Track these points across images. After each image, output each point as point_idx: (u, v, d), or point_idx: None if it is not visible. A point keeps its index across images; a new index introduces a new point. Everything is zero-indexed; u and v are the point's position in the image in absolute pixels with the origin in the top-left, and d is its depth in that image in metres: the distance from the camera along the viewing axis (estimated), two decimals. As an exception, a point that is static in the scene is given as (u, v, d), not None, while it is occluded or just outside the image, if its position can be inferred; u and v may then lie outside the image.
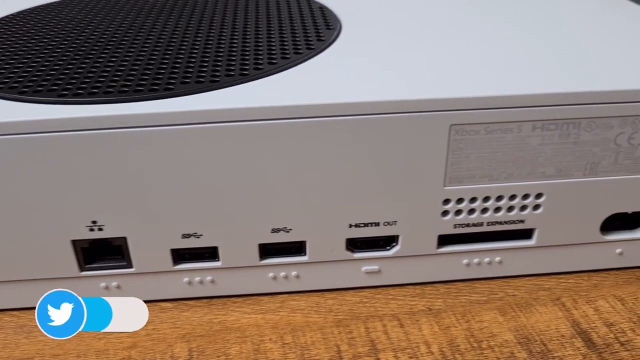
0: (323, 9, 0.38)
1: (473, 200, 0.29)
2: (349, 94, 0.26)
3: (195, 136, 0.26)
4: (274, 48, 0.31)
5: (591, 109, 0.27)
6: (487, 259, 0.31)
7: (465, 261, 0.31)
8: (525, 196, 0.29)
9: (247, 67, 0.29)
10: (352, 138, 0.26)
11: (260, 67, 0.29)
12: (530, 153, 0.28)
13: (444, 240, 0.30)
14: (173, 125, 0.25)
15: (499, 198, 0.29)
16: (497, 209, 0.29)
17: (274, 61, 0.29)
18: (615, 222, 0.31)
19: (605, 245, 0.31)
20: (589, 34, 0.34)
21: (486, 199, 0.29)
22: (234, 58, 0.30)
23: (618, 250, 0.31)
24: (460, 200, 0.29)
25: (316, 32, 0.33)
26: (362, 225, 0.29)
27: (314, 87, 0.27)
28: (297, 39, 0.32)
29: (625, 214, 0.31)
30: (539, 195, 0.29)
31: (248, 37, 0.33)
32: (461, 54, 0.30)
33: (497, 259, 0.31)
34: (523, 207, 0.29)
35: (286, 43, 0.32)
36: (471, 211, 0.29)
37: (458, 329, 0.28)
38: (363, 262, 0.30)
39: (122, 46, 0.32)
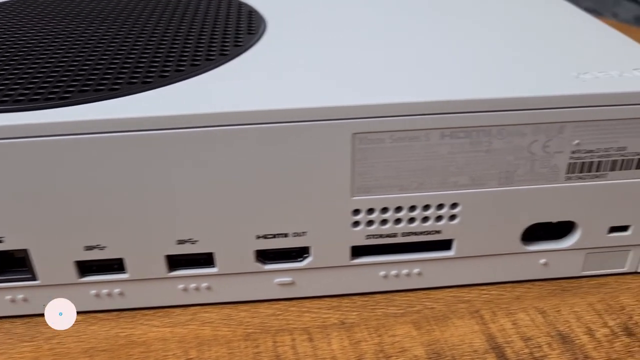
0: (252, 13, 0.37)
1: (384, 210, 0.28)
2: (249, 102, 0.25)
3: (89, 146, 0.25)
4: (186, 54, 0.30)
5: (501, 116, 0.26)
6: (405, 271, 0.30)
7: (382, 273, 0.30)
8: (440, 206, 0.28)
9: (152, 75, 0.28)
10: (252, 147, 0.25)
11: (166, 74, 0.28)
12: (441, 162, 0.27)
13: (358, 251, 0.29)
14: (62, 135, 0.24)
15: (412, 208, 0.28)
16: (411, 220, 0.28)
17: (182, 68, 0.28)
18: (539, 232, 0.30)
19: (528, 255, 0.30)
20: (508, 37, 0.32)
21: (398, 209, 0.28)
22: (142, 65, 0.29)
23: (542, 261, 0.30)
24: (370, 211, 0.28)
25: (235, 38, 0.32)
26: (270, 236, 0.28)
27: (216, 95, 0.26)
28: (213, 44, 0.31)
29: (550, 223, 0.30)
30: (454, 205, 0.28)
31: (165, 42, 0.32)
32: (374, 59, 0.29)
33: (416, 270, 0.30)
34: (438, 218, 0.28)
35: (200, 49, 0.31)
36: (383, 222, 0.28)
37: (369, 344, 0.27)
38: (275, 274, 0.29)
39: (30, 54, 0.31)
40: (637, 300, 0.30)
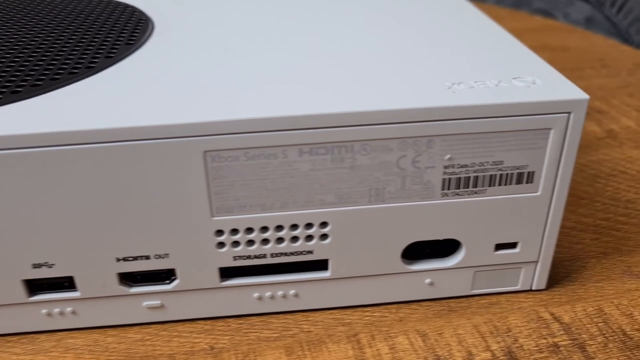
0: (139, 20, 0.35)
1: (249, 230, 0.26)
2: (97, 120, 0.24)
3: None
4: (51, 67, 0.28)
5: (362, 131, 0.24)
6: (280, 292, 0.28)
7: (256, 295, 0.28)
8: (308, 225, 0.26)
9: (4, 92, 0.26)
10: (104, 167, 0.24)
11: (20, 90, 0.26)
12: (303, 179, 0.25)
13: (228, 272, 0.28)
14: None
15: (279, 228, 0.26)
16: (279, 240, 0.27)
17: (39, 83, 0.27)
18: (425, 250, 0.29)
19: (412, 275, 0.29)
20: (389, 44, 0.30)
21: (264, 229, 0.26)
22: (-2, 77, 0.27)
23: (428, 281, 0.29)
24: (235, 231, 0.26)
25: (111, 47, 0.31)
26: (130, 259, 0.26)
27: (67, 111, 0.24)
28: (84, 55, 0.30)
29: (437, 241, 0.28)
30: (323, 225, 0.26)
31: (37, 52, 0.30)
32: (240, 71, 0.27)
33: (292, 292, 0.28)
34: (308, 237, 0.27)
35: (68, 61, 0.29)
36: (250, 242, 0.27)
37: (234, 372, 0.26)
38: (144, 297, 0.28)
39: None
40: (526, 321, 0.28)
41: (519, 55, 0.29)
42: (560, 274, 0.31)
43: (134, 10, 0.37)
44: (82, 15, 0.36)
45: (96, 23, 0.34)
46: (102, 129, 0.23)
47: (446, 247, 0.29)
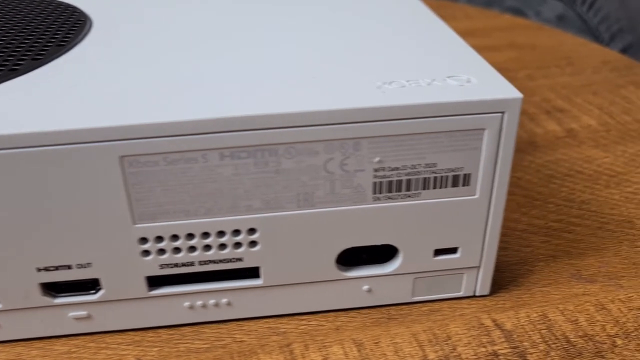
0: (78, 20, 0.34)
1: (175, 238, 0.25)
2: (10, 124, 0.23)
3: None
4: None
5: (285, 133, 0.23)
6: (212, 301, 0.27)
7: (187, 304, 0.27)
8: (236, 232, 0.25)
9: None
10: (19, 173, 0.23)
11: None
12: (227, 185, 0.24)
13: (156, 281, 0.27)
14: None
15: (205, 235, 0.25)
16: (207, 247, 0.26)
17: (-43, 84, 0.26)
18: (362, 256, 0.28)
19: (349, 282, 0.28)
20: (322, 42, 0.29)
21: (189, 236, 0.25)
22: None
23: (365, 288, 0.28)
24: (159, 239, 0.25)
25: (43, 47, 0.30)
26: (52, 268, 0.25)
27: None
28: (11, 57, 0.28)
29: (375, 246, 0.27)
30: (251, 231, 0.25)
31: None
32: (168, 73, 0.26)
33: (224, 300, 0.27)
34: (237, 244, 0.26)
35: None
36: (176, 250, 0.26)
37: (159, 385, 0.25)
38: (69, 308, 0.27)
39: None
40: (466, 329, 0.27)
41: (459, 54, 0.28)
42: (507, 279, 0.30)
43: (74, 10, 0.35)
44: (18, 16, 0.35)
45: (32, 23, 0.33)
46: (14, 134, 0.22)
47: (384, 253, 0.28)
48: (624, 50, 0.62)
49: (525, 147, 0.40)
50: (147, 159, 0.23)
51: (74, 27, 0.33)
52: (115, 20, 0.33)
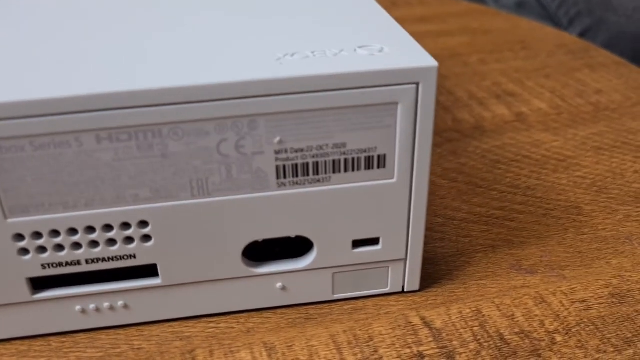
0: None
1: (55, 234, 0.22)
2: None
3: None
4: None
5: (169, 111, 0.21)
6: (106, 304, 0.24)
7: (78, 307, 0.24)
8: (125, 226, 0.23)
9: None
10: None
11: None
12: (108, 172, 0.21)
13: (41, 283, 0.24)
14: None
15: (89, 230, 0.22)
16: (93, 244, 0.23)
17: None
18: (275, 250, 0.25)
19: (260, 279, 0.25)
20: (229, 16, 0.26)
21: (72, 231, 0.22)
22: None
23: (279, 285, 0.25)
24: (37, 235, 0.22)
25: None
26: None
27: None
28: None
29: (288, 239, 0.24)
30: (143, 224, 0.23)
31: None
32: (53, 47, 0.23)
33: (120, 303, 0.24)
34: (128, 239, 0.23)
35: None
36: (59, 247, 0.23)
37: (39, 401, 0.22)
38: (-57, 316, 0.24)
39: None
40: (391, 328, 0.24)
41: (376, 24, 0.25)
42: (442, 272, 0.27)
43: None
44: None
45: None
46: None
47: (299, 247, 0.25)
48: (583, 34, 0.60)
49: (471, 132, 0.38)
50: (12, 144, 0.20)
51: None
52: None
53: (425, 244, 0.28)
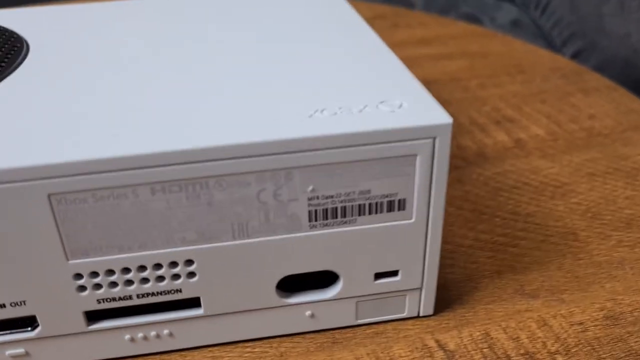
0: (11, 51, 0.33)
1: (110, 272, 0.25)
2: None
3: None
4: None
5: (215, 166, 0.23)
6: (153, 333, 0.27)
7: (127, 337, 0.27)
8: (173, 264, 0.25)
9: None
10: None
11: None
12: (159, 218, 0.24)
13: (95, 316, 0.26)
14: None
15: (141, 268, 0.25)
16: (144, 280, 0.25)
17: None
18: (304, 281, 0.28)
19: (291, 308, 0.27)
20: (252, 69, 0.29)
21: (125, 270, 0.25)
22: None
23: (308, 313, 0.28)
24: (94, 274, 0.25)
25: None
26: (-15, 308, 0.25)
27: None
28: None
29: (316, 272, 0.27)
30: (188, 262, 0.25)
31: None
32: (101, 109, 0.26)
33: (166, 331, 0.27)
34: (175, 276, 0.26)
35: None
36: (113, 284, 0.25)
37: (98, 422, 0.25)
38: (6, 346, 0.26)
39: None
40: (410, 350, 0.27)
41: (392, 75, 0.28)
42: (452, 297, 0.30)
43: (11, 35, 0.35)
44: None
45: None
46: None
47: (326, 278, 0.28)
48: (575, 56, 0.63)
49: (475, 159, 0.41)
50: (75, 197, 0.23)
51: (9, 54, 0.32)
52: (51, 46, 0.33)
53: (437, 270, 0.31)
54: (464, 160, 0.41)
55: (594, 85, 0.50)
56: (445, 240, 0.34)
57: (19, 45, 0.33)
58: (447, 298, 0.30)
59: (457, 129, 0.44)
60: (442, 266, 0.32)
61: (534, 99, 0.48)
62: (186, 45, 0.32)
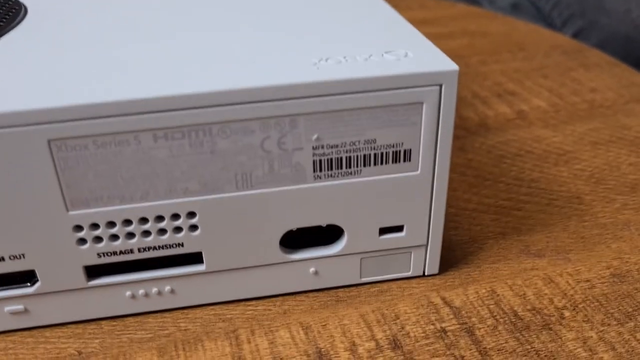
0: (10, 11, 0.33)
1: (111, 225, 0.25)
2: None
3: None
4: None
5: (219, 112, 0.23)
6: (154, 289, 0.27)
7: (128, 293, 0.26)
8: (175, 216, 0.25)
9: None
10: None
11: None
12: (162, 167, 0.24)
13: (95, 271, 0.26)
14: None
15: (143, 221, 0.25)
16: (145, 233, 0.25)
17: None
18: (307, 237, 0.27)
19: (294, 265, 0.27)
20: (259, 20, 0.29)
21: (127, 222, 0.25)
22: None
23: (312, 270, 0.27)
24: (95, 226, 0.24)
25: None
26: (-17, 261, 0.25)
27: None
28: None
29: (319, 227, 0.27)
30: (191, 215, 0.25)
31: None
32: (101, 56, 0.25)
33: (168, 288, 0.27)
34: (177, 229, 0.25)
35: None
36: (114, 237, 0.25)
37: (99, 377, 0.24)
38: (5, 302, 0.26)
39: None
40: (415, 307, 0.27)
41: (397, 29, 0.27)
42: (457, 257, 0.30)
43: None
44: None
45: None
46: None
47: (330, 234, 0.27)
48: (575, 35, 0.63)
49: (477, 129, 0.40)
50: (76, 143, 0.23)
51: (7, 15, 0.32)
52: (50, 8, 0.32)
53: (441, 232, 0.30)
54: (466, 131, 0.40)
55: (595, 61, 0.50)
56: (449, 204, 0.33)
57: (17, 8, 0.33)
58: (452, 258, 0.30)
59: (459, 101, 0.44)
60: (446, 228, 0.32)
61: (535, 74, 0.47)
62: (187, 3, 0.32)
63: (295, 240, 0.27)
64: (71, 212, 0.24)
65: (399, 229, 0.27)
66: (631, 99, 0.44)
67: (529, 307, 0.27)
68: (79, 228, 0.24)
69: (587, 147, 0.38)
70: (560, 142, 0.39)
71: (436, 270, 0.29)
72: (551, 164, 0.36)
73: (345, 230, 0.27)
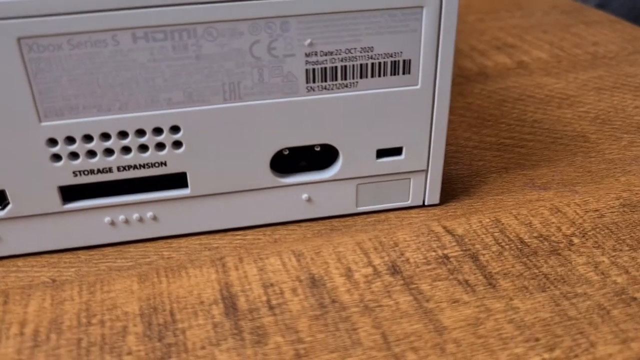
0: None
1: (88, 139, 0.23)
2: None
3: None
4: None
5: (204, 10, 0.21)
6: (136, 216, 0.25)
7: (107, 219, 0.25)
8: (157, 131, 0.23)
9: None
10: None
11: None
12: (142, 73, 0.22)
13: (71, 194, 0.24)
14: None
15: (122, 135, 0.23)
16: (126, 150, 0.23)
17: None
18: (301, 163, 0.25)
19: (286, 190, 0.25)
20: None
21: (105, 136, 0.23)
22: None
23: (305, 196, 0.26)
24: (70, 140, 0.23)
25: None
26: (-51, 179, 0.23)
27: None
28: None
29: (313, 151, 0.25)
30: (174, 130, 0.23)
31: None
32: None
33: (149, 214, 0.25)
34: (159, 145, 0.23)
35: None
36: (91, 153, 0.23)
37: (74, 303, 0.22)
38: (-27, 228, 0.24)
39: None
40: (415, 236, 0.25)
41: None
42: (458, 189, 0.28)
43: None
44: None
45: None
46: None
47: (324, 161, 0.26)
48: None
49: (475, 77, 0.39)
50: (49, 42, 0.21)
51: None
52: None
53: (441, 166, 0.29)
54: (465, 78, 0.39)
55: (596, 19, 0.49)
56: (448, 142, 0.31)
57: None
58: (453, 190, 0.28)
59: (456, 53, 0.42)
60: (447, 164, 0.30)
61: (535, 30, 0.46)
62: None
63: (287, 166, 0.25)
64: (44, 123, 0.22)
65: (397, 151, 0.25)
66: (634, 51, 0.42)
67: (535, 234, 0.25)
68: (52, 142, 0.22)
69: (591, 92, 0.37)
70: (563, 88, 0.37)
71: (437, 201, 0.27)
72: (554, 107, 0.35)
73: (340, 151, 0.25)
